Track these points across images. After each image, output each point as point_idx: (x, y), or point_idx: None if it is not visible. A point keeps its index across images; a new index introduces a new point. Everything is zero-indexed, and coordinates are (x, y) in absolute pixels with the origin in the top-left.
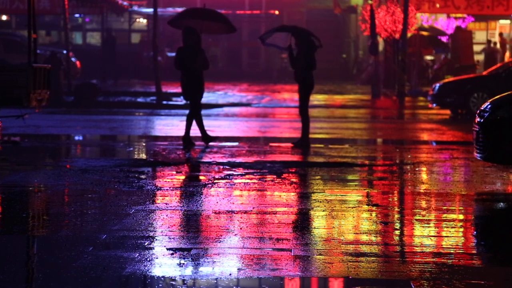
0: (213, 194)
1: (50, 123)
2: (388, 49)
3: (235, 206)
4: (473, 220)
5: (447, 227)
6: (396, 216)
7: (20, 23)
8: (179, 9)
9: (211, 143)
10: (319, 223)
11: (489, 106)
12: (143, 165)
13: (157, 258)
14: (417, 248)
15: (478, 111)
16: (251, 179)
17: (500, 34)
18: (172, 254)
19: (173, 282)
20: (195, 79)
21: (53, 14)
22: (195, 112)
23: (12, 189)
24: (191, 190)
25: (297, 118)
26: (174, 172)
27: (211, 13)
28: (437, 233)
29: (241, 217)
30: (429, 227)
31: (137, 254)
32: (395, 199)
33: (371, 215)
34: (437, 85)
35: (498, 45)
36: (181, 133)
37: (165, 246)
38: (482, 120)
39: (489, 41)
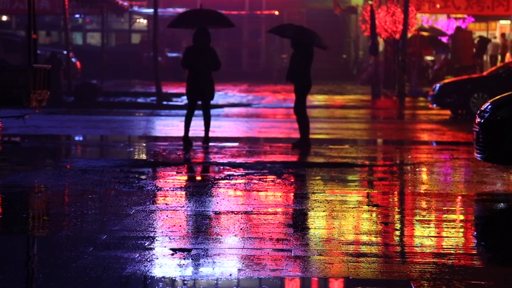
0: (213, 194)
1: (50, 124)
2: (388, 49)
3: (236, 207)
4: (473, 221)
5: (447, 227)
6: (396, 216)
7: (20, 23)
8: (180, 10)
9: (211, 144)
10: (319, 224)
11: (489, 106)
12: (143, 165)
13: (157, 258)
14: (417, 249)
15: (478, 112)
16: (251, 179)
17: (503, 35)
18: (172, 254)
19: (174, 283)
20: (198, 79)
21: (53, 14)
22: (191, 112)
23: (12, 189)
24: (191, 191)
25: None
26: (174, 173)
27: (208, 14)
28: (437, 234)
29: (241, 218)
30: (429, 227)
31: (137, 255)
32: (395, 199)
33: (371, 215)
34: (437, 85)
35: (498, 42)
36: (181, 133)
37: (165, 247)
38: (482, 121)
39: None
